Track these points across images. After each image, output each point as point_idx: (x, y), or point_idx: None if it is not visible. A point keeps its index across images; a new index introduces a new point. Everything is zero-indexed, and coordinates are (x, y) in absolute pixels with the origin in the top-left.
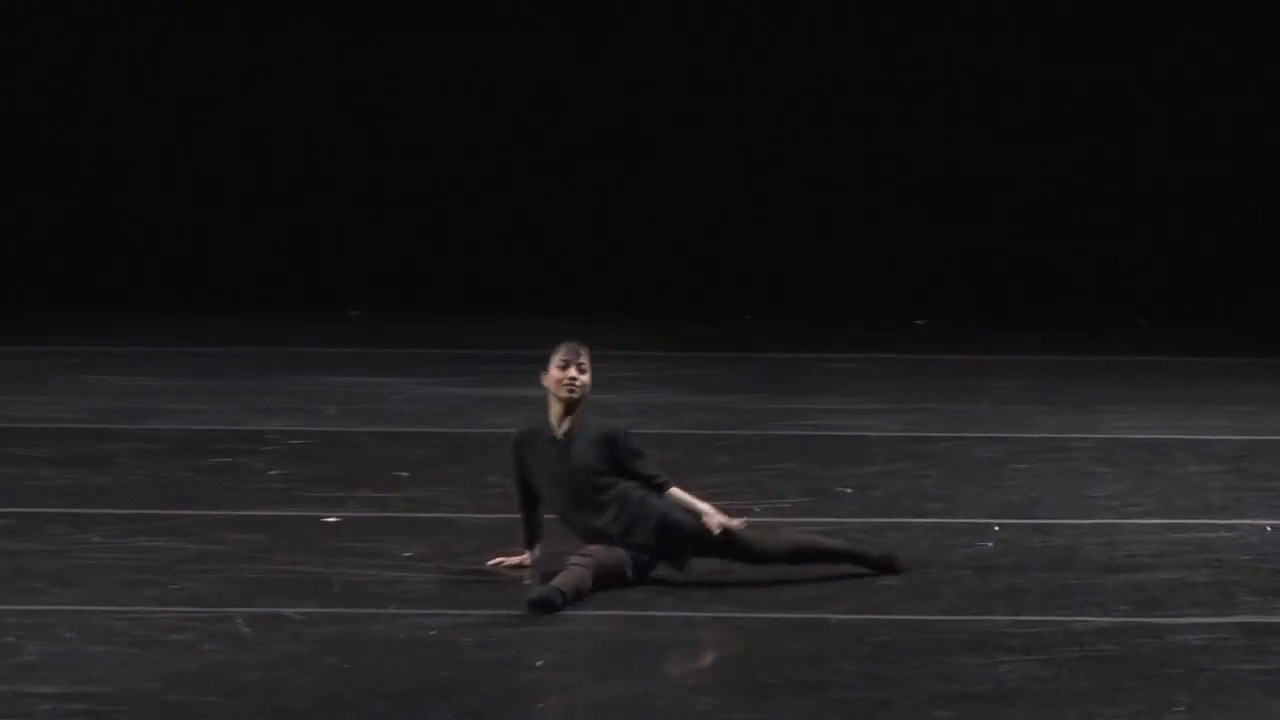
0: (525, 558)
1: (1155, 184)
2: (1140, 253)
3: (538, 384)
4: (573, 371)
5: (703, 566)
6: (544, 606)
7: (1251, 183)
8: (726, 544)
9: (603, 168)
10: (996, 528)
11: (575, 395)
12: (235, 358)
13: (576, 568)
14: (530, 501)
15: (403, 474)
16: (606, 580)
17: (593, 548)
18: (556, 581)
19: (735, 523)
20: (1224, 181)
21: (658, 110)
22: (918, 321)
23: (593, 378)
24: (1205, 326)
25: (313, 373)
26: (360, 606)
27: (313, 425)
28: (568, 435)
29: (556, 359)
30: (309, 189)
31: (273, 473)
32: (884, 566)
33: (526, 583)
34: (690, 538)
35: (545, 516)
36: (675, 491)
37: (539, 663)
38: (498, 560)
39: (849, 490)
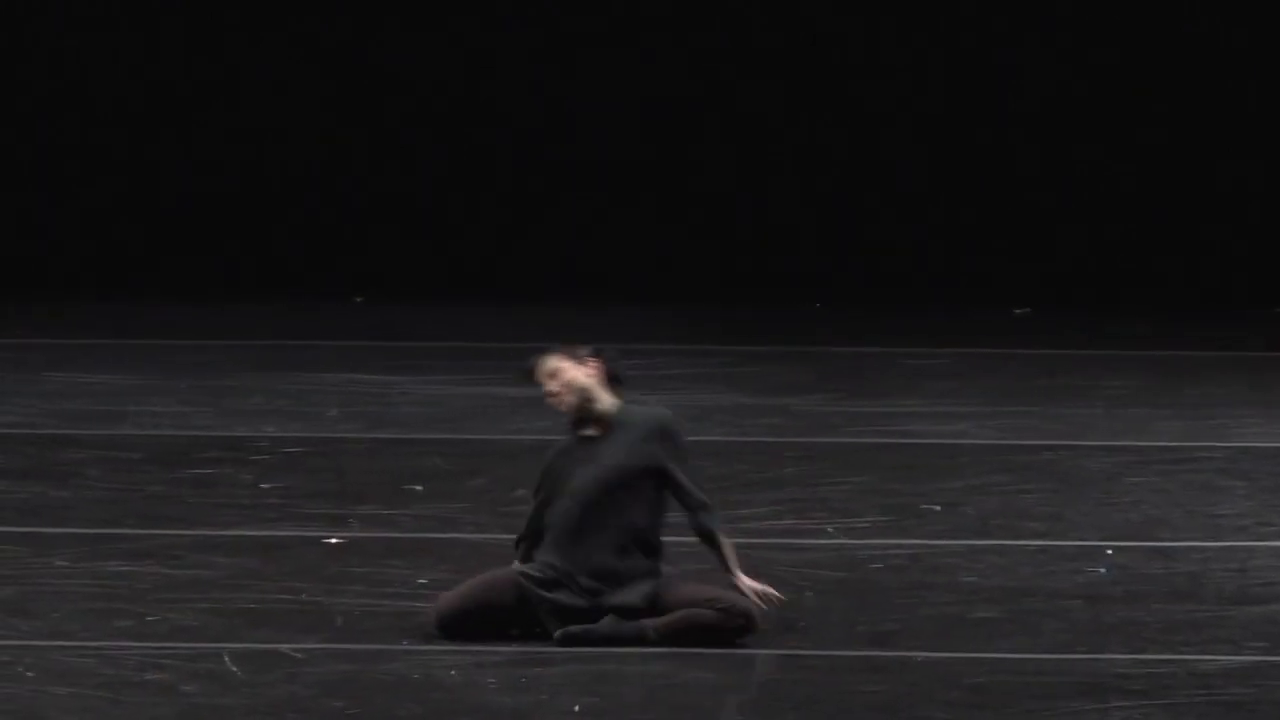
0: None
1: None
2: (1276, 228)
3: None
4: (552, 388)
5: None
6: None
7: None
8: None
9: (647, 139)
10: (1109, 551)
11: (572, 405)
12: (219, 351)
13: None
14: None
15: (416, 488)
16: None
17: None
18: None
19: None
20: None
21: (703, 74)
22: (1016, 310)
23: (606, 369)
24: None
25: (311, 369)
26: (367, 642)
27: (311, 430)
28: (601, 434)
29: (535, 377)
30: (304, 161)
31: (264, 486)
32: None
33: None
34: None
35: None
36: (722, 538)
37: (575, 708)
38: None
39: (936, 508)
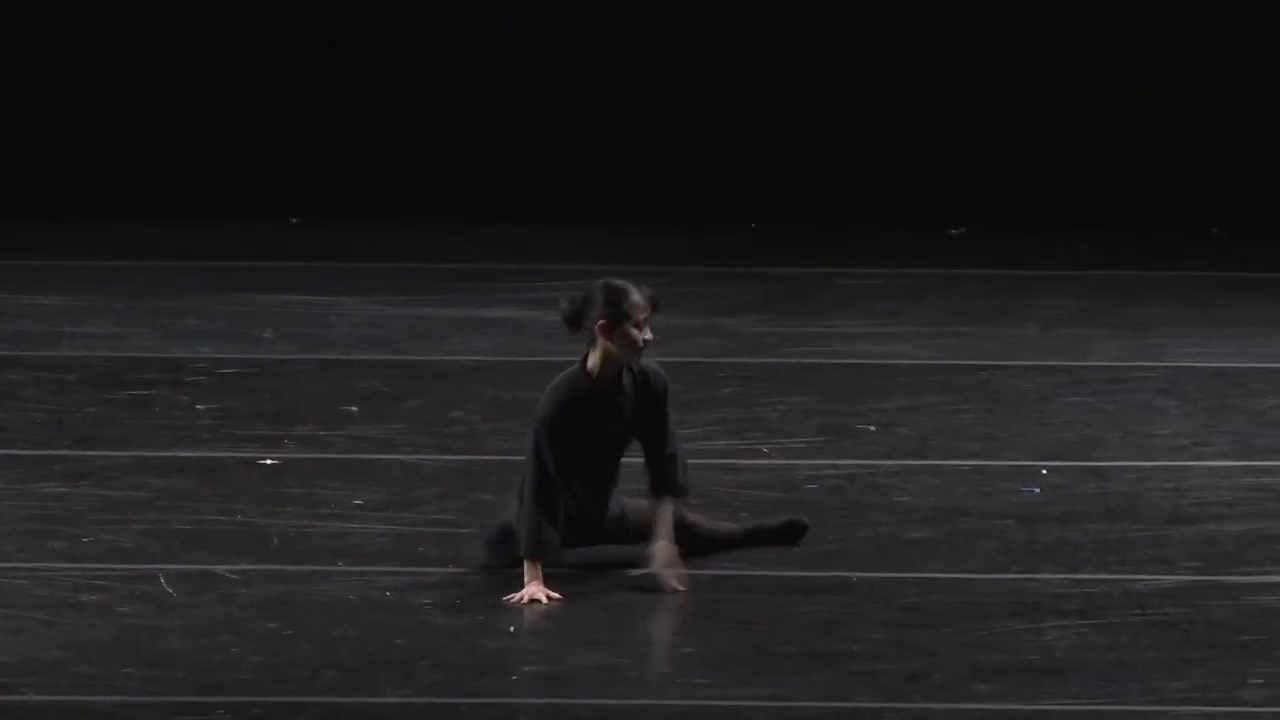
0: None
1: (1240, 73)
2: (1213, 150)
3: (513, 303)
4: (649, 333)
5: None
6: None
7: None
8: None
9: (580, 54)
10: (1044, 471)
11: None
12: (156, 273)
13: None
14: (554, 489)
15: (351, 409)
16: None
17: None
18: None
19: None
20: None
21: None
22: (953, 230)
23: None
24: None
25: (246, 290)
26: (303, 563)
27: (246, 352)
28: (608, 384)
29: (638, 315)
30: (239, 81)
31: (200, 407)
32: (786, 535)
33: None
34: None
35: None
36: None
37: (511, 628)
38: (519, 598)
39: (871, 428)
